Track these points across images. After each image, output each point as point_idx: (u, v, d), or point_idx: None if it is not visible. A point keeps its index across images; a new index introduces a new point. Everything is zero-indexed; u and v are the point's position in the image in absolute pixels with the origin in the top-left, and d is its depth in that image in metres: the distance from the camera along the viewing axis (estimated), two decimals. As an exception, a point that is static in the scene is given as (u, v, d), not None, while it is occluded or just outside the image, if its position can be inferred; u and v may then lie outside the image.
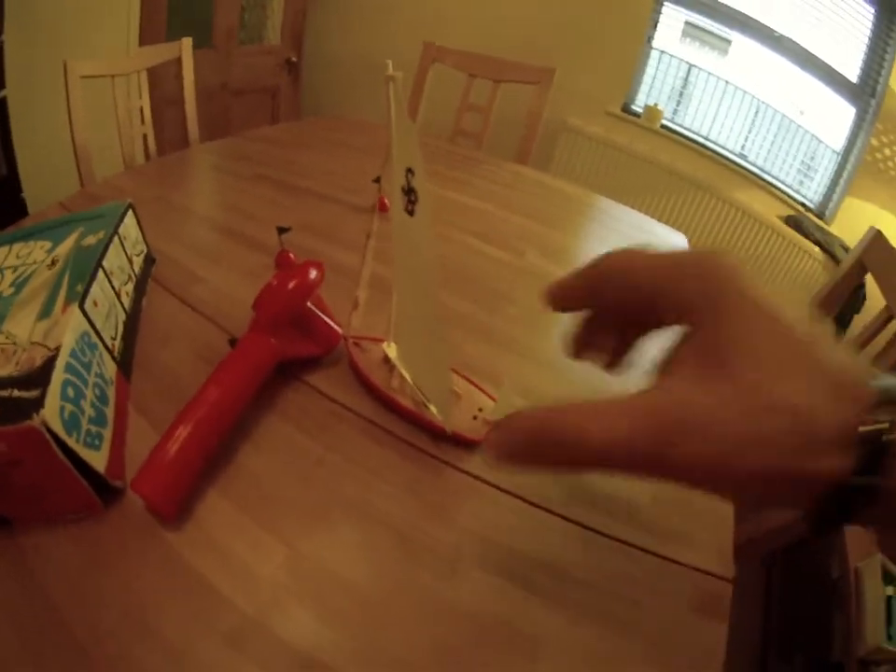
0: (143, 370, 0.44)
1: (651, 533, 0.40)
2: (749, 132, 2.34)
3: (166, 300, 0.53)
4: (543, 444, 0.20)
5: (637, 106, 2.31)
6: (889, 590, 1.16)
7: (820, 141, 2.28)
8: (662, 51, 2.25)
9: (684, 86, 2.35)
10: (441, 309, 0.35)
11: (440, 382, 0.38)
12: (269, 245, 0.63)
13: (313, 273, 0.43)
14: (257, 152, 0.98)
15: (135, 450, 0.36)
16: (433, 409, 0.40)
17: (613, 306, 0.24)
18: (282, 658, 0.29)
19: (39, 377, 0.29)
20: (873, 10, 1.99)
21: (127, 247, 0.48)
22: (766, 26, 2.11)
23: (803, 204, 2.33)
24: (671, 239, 0.99)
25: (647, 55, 2.22)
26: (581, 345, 0.28)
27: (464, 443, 0.42)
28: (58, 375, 0.30)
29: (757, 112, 2.31)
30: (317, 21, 2.39)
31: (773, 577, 1.46)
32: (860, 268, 0.80)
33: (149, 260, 0.55)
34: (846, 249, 2.12)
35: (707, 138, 2.33)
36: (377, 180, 0.78)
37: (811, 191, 2.37)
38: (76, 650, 0.27)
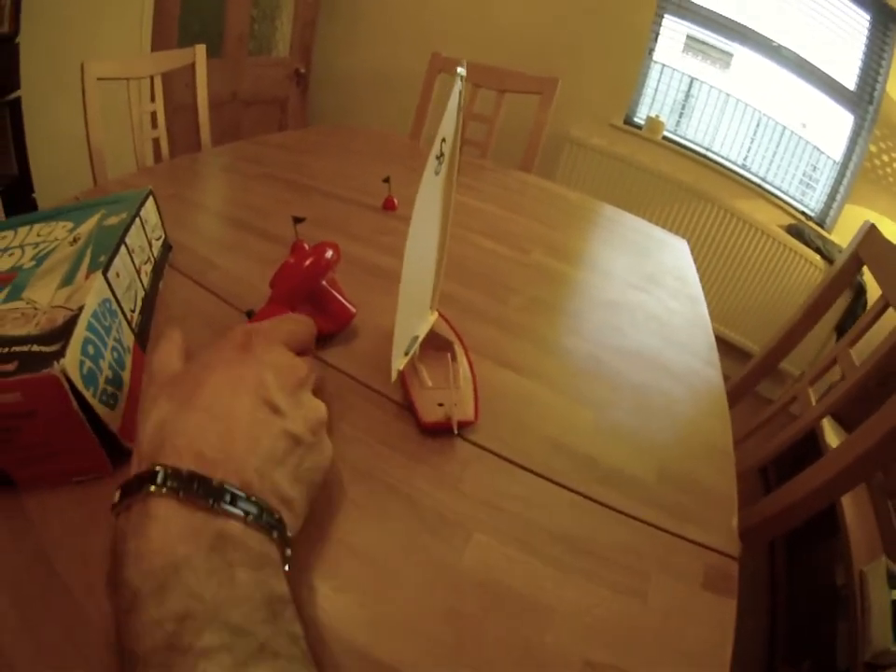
0: (159, 347, 0.45)
1: (658, 509, 0.40)
2: (751, 143, 2.36)
3: (182, 284, 0.54)
4: None
5: (640, 118, 2.34)
6: (895, 593, 1.15)
7: (822, 152, 2.31)
8: (664, 64, 2.28)
9: (686, 98, 2.38)
10: (443, 253, 0.42)
11: (408, 329, 0.41)
12: (281, 237, 0.65)
13: (328, 253, 0.44)
14: (266, 155, 1.01)
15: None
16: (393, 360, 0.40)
17: None
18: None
19: (61, 333, 0.30)
20: (868, 18, 2.02)
21: (147, 230, 0.49)
22: (765, 37, 2.14)
23: (804, 213, 2.34)
24: (670, 241, 1.01)
25: (648, 68, 2.25)
26: None
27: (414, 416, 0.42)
28: (79, 332, 0.31)
29: (759, 124, 2.33)
30: (326, 33, 2.43)
31: (777, 584, 1.45)
32: (856, 261, 0.80)
33: (167, 247, 0.56)
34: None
35: (709, 149, 2.35)
36: (387, 180, 0.80)
37: (812, 200, 2.39)
38: (72, 606, 0.27)
